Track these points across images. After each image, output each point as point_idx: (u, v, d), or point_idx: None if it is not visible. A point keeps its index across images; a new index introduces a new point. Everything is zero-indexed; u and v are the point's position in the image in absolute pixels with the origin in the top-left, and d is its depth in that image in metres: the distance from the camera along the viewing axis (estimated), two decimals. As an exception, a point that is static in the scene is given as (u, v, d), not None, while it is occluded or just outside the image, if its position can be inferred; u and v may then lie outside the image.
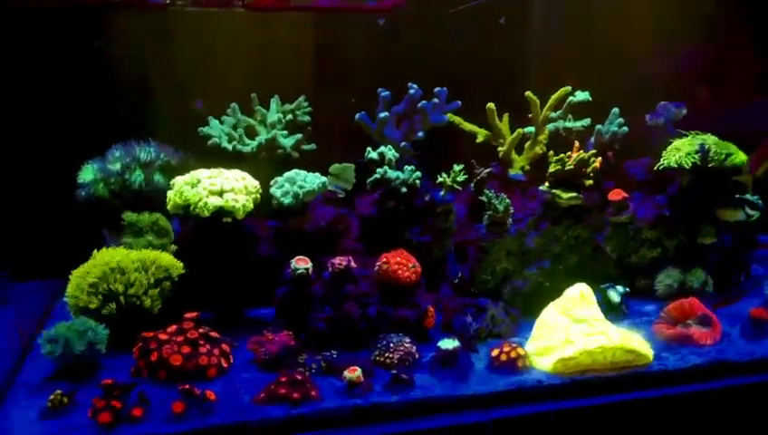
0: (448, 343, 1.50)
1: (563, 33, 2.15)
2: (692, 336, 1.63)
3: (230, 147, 1.85)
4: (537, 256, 1.80)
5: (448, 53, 2.07)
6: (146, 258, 1.61)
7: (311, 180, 1.72)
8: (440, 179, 1.78)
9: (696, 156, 1.81)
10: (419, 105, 1.86)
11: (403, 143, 1.85)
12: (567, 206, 1.80)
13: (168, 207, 1.65)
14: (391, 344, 1.53)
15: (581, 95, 1.95)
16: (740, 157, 1.84)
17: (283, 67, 2.00)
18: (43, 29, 1.84)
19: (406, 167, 1.75)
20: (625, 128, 1.93)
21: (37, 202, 1.90)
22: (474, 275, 1.80)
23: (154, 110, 1.90)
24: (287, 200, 1.70)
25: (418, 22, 2.05)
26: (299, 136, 1.90)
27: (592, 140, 1.94)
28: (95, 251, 1.64)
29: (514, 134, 1.90)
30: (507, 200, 1.78)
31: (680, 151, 1.84)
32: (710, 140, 1.86)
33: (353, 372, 1.41)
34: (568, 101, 1.95)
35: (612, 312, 1.72)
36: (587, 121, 1.95)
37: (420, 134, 1.85)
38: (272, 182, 1.74)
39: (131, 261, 1.59)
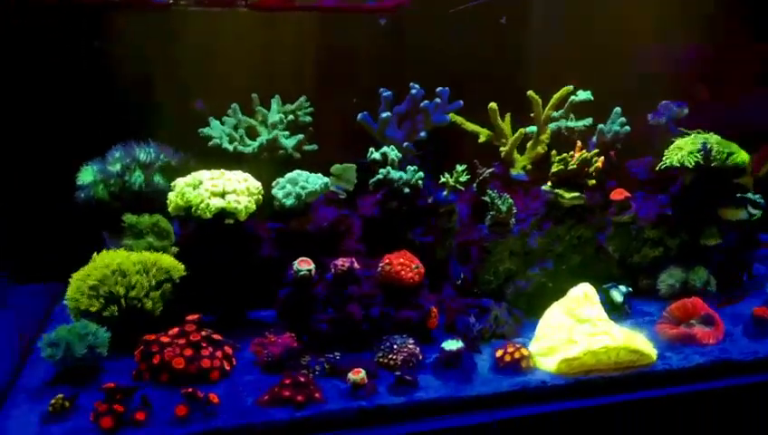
0: (452, 344, 1.50)
1: (564, 32, 2.15)
2: (695, 336, 1.63)
3: (231, 148, 1.84)
4: (540, 257, 1.80)
5: (449, 53, 2.07)
6: (147, 260, 1.60)
7: (313, 181, 1.72)
8: (443, 180, 1.77)
9: (698, 155, 1.81)
10: (421, 105, 1.85)
11: (405, 143, 1.84)
12: (570, 205, 1.80)
13: (170, 208, 1.64)
14: (395, 346, 1.53)
15: (583, 94, 1.95)
16: (742, 156, 1.85)
17: (283, 67, 1.99)
18: (43, 29, 1.83)
19: (408, 167, 1.75)
20: (627, 127, 1.92)
21: (36, 204, 1.88)
22: (476, 276, 1.79)
23: (154, 110, 1.89)
24: (289, 201, 1.69)
25: (419, 22, 2.05)
26: (300, 136, 1.89)
27: (594, 139, 1.94)
28: (95, 253, 1.63)
29: (516, 134, 1.89)
30: (510, 200, 1.77)
31: (682, 150, 1.84)
32: (712, 139, 1.86)
33: (357, 374, 1.41)
34: (570, 100, 1.95)
35: (615, 312, 1.72)
36: (589, 121, 1.95)
37: (423, 134, 1.84)
38: (273, 183, 1.73)
39: (132, 263, 1.58)
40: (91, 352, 1.44)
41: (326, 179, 1.75)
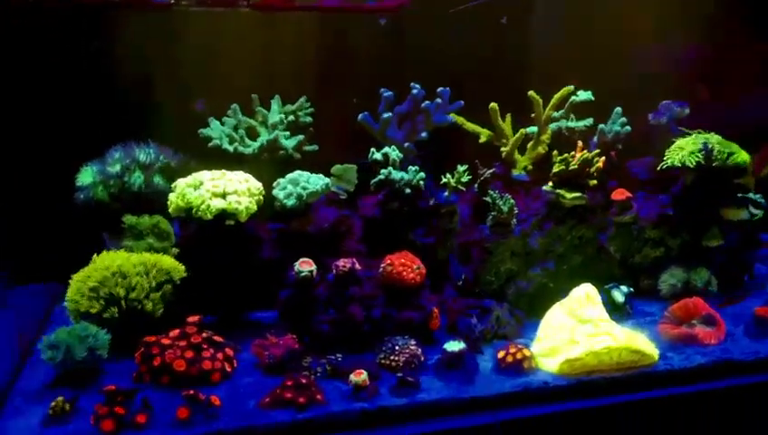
0: (454, 346, 1.49)
1: (564, 32, 2.15)
2: (696, 336, 1.63)
3: (231, 148, 1.83)
4: (541, 257, 1.80)
5: (449, 53, 2.07)
6: (147, 262, 1.59)
7: (314, 182, 1.71)
8: (444, 180, 1.76)
9: (699, 155, 1.81)
10: (422, 105, 1.84)
11: (406, 144, 1.84)
12: (571, 206, 1.80)
13: (170, 209, 1.63)
14: (396, 347, 1.52)
15: (584, 95, 1.95)
16: (742, 156, 1.85)
17: (283, 67, 1.98)
18: (43, 29, 1.82)
19: (410, 167, 1.74)
20: (628, 127, 1.92)
21: (36, 204, 1.87)
22: (478, 277, 1.79)
23: (154, 111, 1.88)
24: (290, 202, 1.68)
25: (419, 22, 2.04)
26: (301, 137, 1.89)
27: (595, 139, 1.94)
28: (95, 255, 1.62)
29: (518, 134, 1.89)
30: (512, 201, 1.77)
31: (684, 150, 1.84)
32: (713, 139, 1.86)
33: (359, 376, 1.40)
34: (570, 100, 1.95)
35: (616, 312, 1.72)
36: (589, 121, 1.95)
37: (424, 135, 1.84)
38: (274, 184, 1.72)
39: (132, 265, 1.57)
40: (92, 355, 1.44)
41: (327, 180, 1.74)
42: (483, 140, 1.96)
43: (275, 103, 1.93)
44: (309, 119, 1.94)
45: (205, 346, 1.47)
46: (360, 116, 1.82)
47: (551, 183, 1.81)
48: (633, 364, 1.52)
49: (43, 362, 1.44)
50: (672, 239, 1.88)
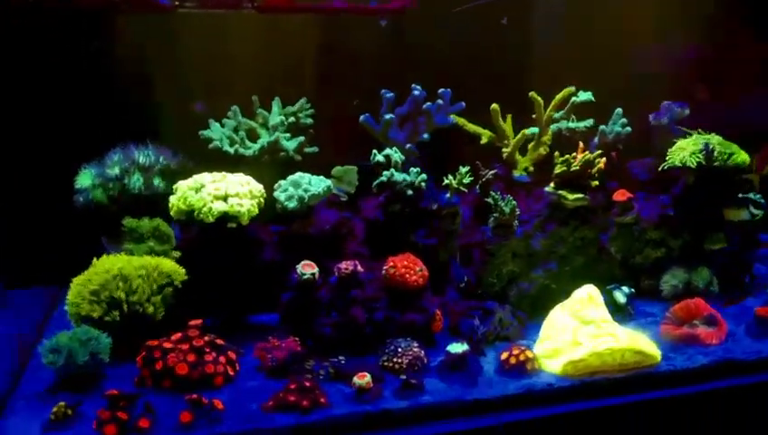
0: (458, 348, 1.49)
1: (565, 33, 2.15)
2: (698, 336, 1.63)
3: (232, 150, 1.82)
4: (543, 258, 1.79)
5: (450, 54, 2.06)
6: (148, 265, 1.58)
7: (316, 184, 1.70)
8: (446, 182, 1.76)
9: (700, 155, 1.81)
10: (424, 107, 1.84)
11: (408, 145, 1.83)
12: (573, 207, 1.80)
13: (172, 212, 1.62)
14: (399, 349, 1.52)
15: (584, 95, 1.95)
16: (742, 156, 1.85)
17: (284, 69, 1.97)
18: (44, 30, 1.81)
19: (411, 169, 1.74)
20: (628, 128, 1.93)
21: (35, 207, 1.86)
22: (480, 278, 1.79)
23: (155, 112, 1.87)
24: (292, 204, 1.68)
25: (420, 23, 2.04)
26: (301, 139, 1.88)
27: (596, 140, 1.94)
28: (95, 259, 1.61)
29: (519, 135, 1.89)
30: (513, 202, 1.77)
31: (685, 151, 1.84)
32: (714, 139, 1.86)
33: (363, 378, 1.40)
34: (571, 101, 1.95)
35: (618, 313, 1.72)
36: (590, 122, 1.95)
37: (425, 136, 1.84)
38: (275, 186, 1.72)
39: (133, 268, 1.56)
40: (93, 359, 1.43)
41: (329, 182, 1.73)
42: (484, 141, 1.95)
43: (276, 105, 1.92)
44: (309, 120, 1.93)
45: (207, 350, 1.46)
46: (361, 117, 1.81)
47: (552, 184, 1.81)
48: (636, 365, 1.52)
49: (43, 367, 1.43)
50: (673, 240, 1.89)
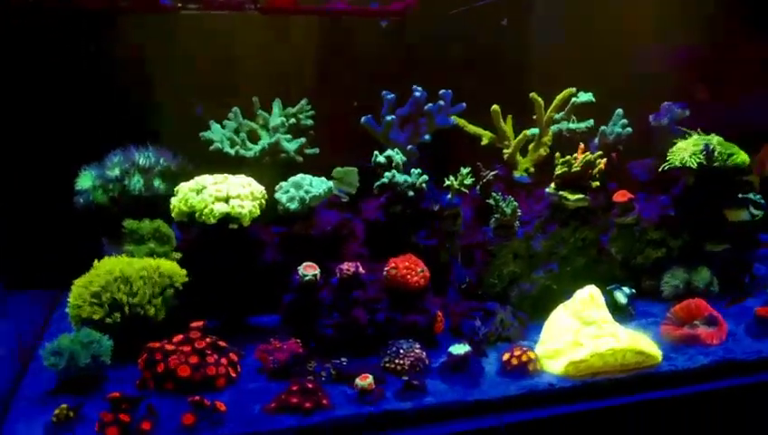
0: (460, 349, 1.49)
1: (565, 34, 2.15)
2: (699, 337, 1.63)
3: (232, 152, 1.82)
4: (544, 259, 1.80)
5: (450, 55, 2.06)
6: (149, 266, 1.58)
7: (317, 185, 1.70)
8: (447, 183, 1.76)
9: (701, 156, 1.82)
10: (425, 108, 1.84)
11: (409, 146, 1.83)
12: (574, 207, 1.80)
13: (173, 214, 1.62)
14: (401, 350, 1.52)
15: (585, 96, 1.95)
16: (742, 157, 1.85)
17: (284, 70, 1.97)
18: (44, 31, 1.80)
19: (412, 170, 1.74)
20: (629, 129, 1.93)
21: (35, 208, 1.85)
22: (481, 279, 1.79)
23: (155, 113, 1.87)
24: (293, 205, 1.67)
25: (420, 24, 2.04)
26: (302, 140, 1.88)
27: (596, 141, 1.94)
28: (96, 261, 1.61)
29: (520, 136, 1.89)
30: (515, 203, 1.77)
31: (685, 151, 1.84)
32: (714, 140, 1.86)
33: (365, 380, 1.40)
34: (571, 102, 1.95)
35: (619, 313, 1.72)
36: (590, 123, 1.95)
37: (426, 137, 1.84)
38: (276, 187, 1.72)
39: (134, 270, 1.56)
40: (95, 361, 1.43)
41: (330, 183, 1.73)
42: (485, 142, 1.95)
43: (276, 106, 1.92)
44: (310, 121, 1.93)
45: (209, 351, 1.46)
46: (362, 119, 1.81)
47: (553, 185, 1.81)
48: (637, 365, 1.52)
49: (44, 369, 1.43)
50: (673, 240, 1.89)
